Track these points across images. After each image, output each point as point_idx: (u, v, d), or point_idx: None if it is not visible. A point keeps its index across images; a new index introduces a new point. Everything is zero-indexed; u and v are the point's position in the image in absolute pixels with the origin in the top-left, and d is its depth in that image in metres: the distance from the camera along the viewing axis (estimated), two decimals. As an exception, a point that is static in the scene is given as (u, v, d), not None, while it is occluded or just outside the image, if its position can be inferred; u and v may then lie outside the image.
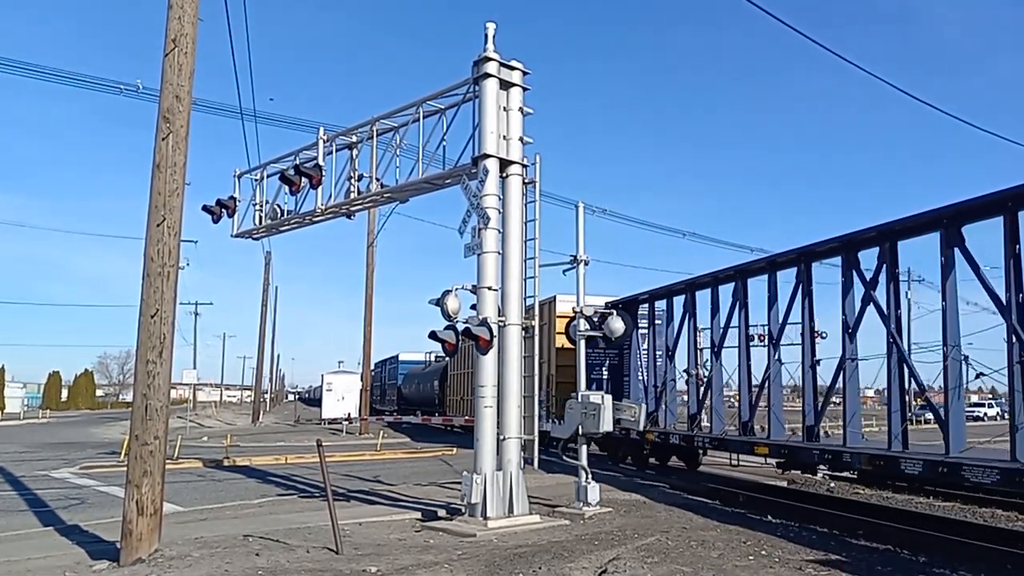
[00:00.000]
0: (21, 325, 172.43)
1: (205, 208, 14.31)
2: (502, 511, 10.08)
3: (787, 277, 12.83)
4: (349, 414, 36.84)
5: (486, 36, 10.66)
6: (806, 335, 12.22)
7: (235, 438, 27.30)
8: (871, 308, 10.88)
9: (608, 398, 11.60)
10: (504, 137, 10.67)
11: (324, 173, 12.89)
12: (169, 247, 8.22)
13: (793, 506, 11.85)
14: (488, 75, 10.54)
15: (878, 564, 7.85)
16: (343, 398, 41.14)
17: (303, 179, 12.89)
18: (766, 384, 13.21)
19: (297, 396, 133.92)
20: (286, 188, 13.24)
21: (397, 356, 50.80)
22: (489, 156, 10.47)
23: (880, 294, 10.71)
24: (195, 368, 50.40)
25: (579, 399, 11.68)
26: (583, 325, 12.24)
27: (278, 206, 14.03)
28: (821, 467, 12.79)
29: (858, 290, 11.27)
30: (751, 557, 8.09)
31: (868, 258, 11.29)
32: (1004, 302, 8.62)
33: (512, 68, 10.78)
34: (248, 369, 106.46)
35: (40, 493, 14.30)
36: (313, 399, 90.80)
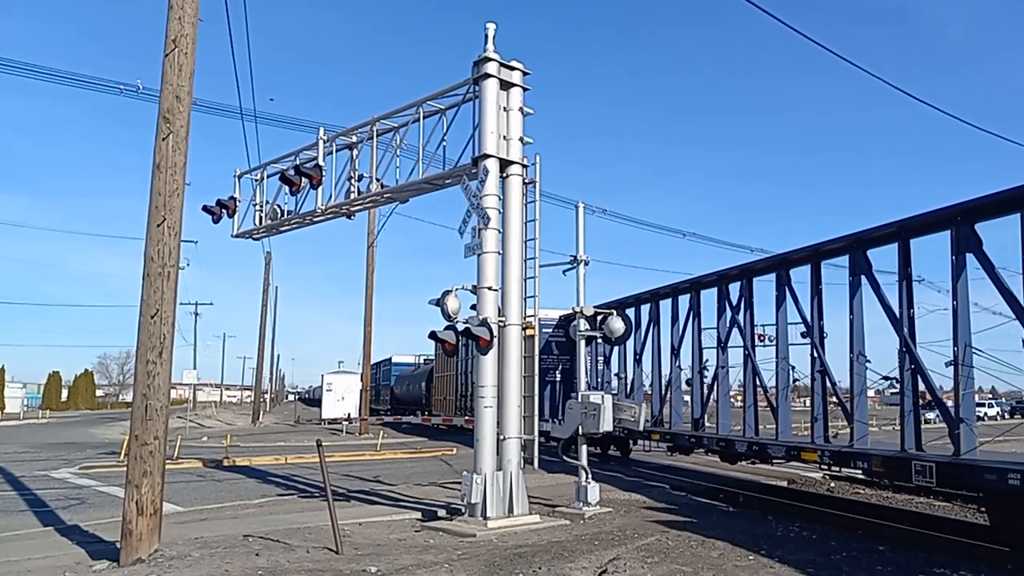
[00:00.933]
0: (21, 325, 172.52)
1: (205, 208, 14.31)
2: (502, 511, 10.08)
3: (737, 289, 13.69)
4: (349, 414, 36.84)
5: (486, 36, 10.66)
6: (747, 338, 13.10)
7: (235, 438, 27.30)
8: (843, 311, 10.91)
9: (608, 398, 11.61)
10: (504, 137, 10.67)
11: (324, 173, 12.89)
12: (169, 247, 8.22)
13: (793, 506, 11.86)
14: (488, 75, 10.54)
15: (878, 564, 7.85)
16: (343, 398, 41.17)
17: (303, 179, 12.89)
18: (715, 384, 14.32)
19: (297, 396, 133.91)
20: (286, 188, 13.25)
21: (391, 359, 51.63)
22: (489, 156, 10.47)
23: (858, 297, 10.62)
24: (195, 368, 50.41)
25: (579, 399, 11.68)
26: (583, 325, 12.25)
27: (278, 206, 14.03)
28: (699, 449, 15.11)
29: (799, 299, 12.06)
30: (751, 557, 8.09)
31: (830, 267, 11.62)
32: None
33: (512, 68, 10.78)
34: (248, 369, 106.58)
35: (40, 493, 14.30)
36: (313, 399, 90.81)
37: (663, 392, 16.11)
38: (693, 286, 14.97)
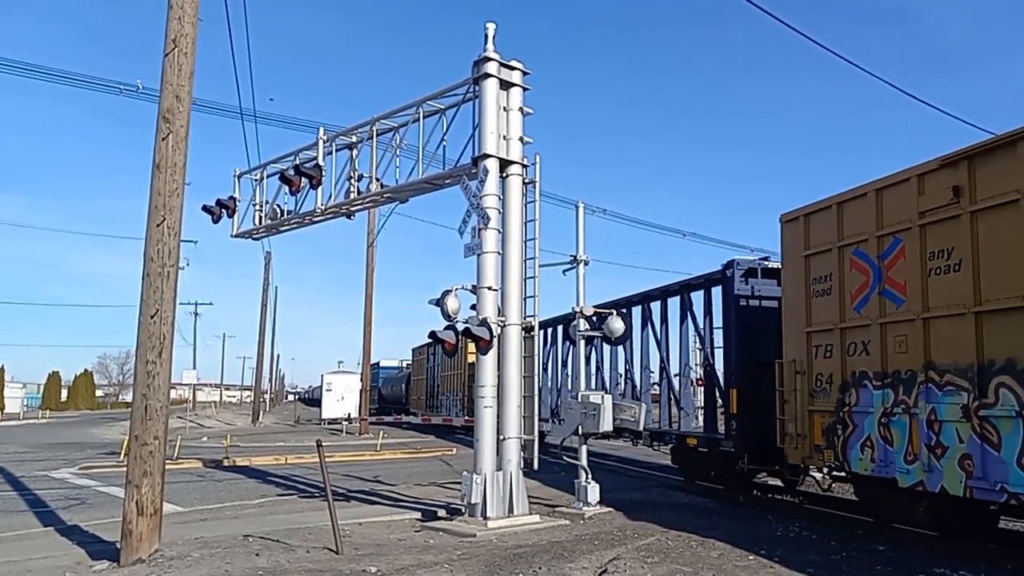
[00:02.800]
0: (21, 325, 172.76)
1: (205, 208, 14.31)
2: (502, 511, 10.08)
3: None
4: (349, 414, 36.82)
5: (486, 36, 10.66)
6: (662, 348, 16.16)
7: (235, 438, 27.29)
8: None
9: (608, 398, 11.59)
10: (504, 137, 10.66)
11: (324, 173, 12.89)
12: (169, 247, 8.22)
13: (793, 506, 11.86)
14: (488, 75, 10.53)
15: (878, 564, 7.85)
16: (343, 398, 41.18)
17: (303, 179, 12.89)
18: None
19: (297, 396, 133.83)
20: (286, 188, 13.24)
21: (378, 363, 52.54)
22: (489, 156, 10.47)
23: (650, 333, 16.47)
24: (195, 368, 50.50)
25: (579, 399, 11.68)
26: (583, 325, 12.24)
27: (278, 206, 14.03)
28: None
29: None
30: (751, 557, 8.09)
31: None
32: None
33: (512, 68, 10.77)
34: (248, 369, 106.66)
35: (40, 493, 14.30)
36: (313, 399, 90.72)
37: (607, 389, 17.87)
38: (627, 303, 16.88)
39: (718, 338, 13.82)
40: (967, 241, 8.18)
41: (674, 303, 15.31)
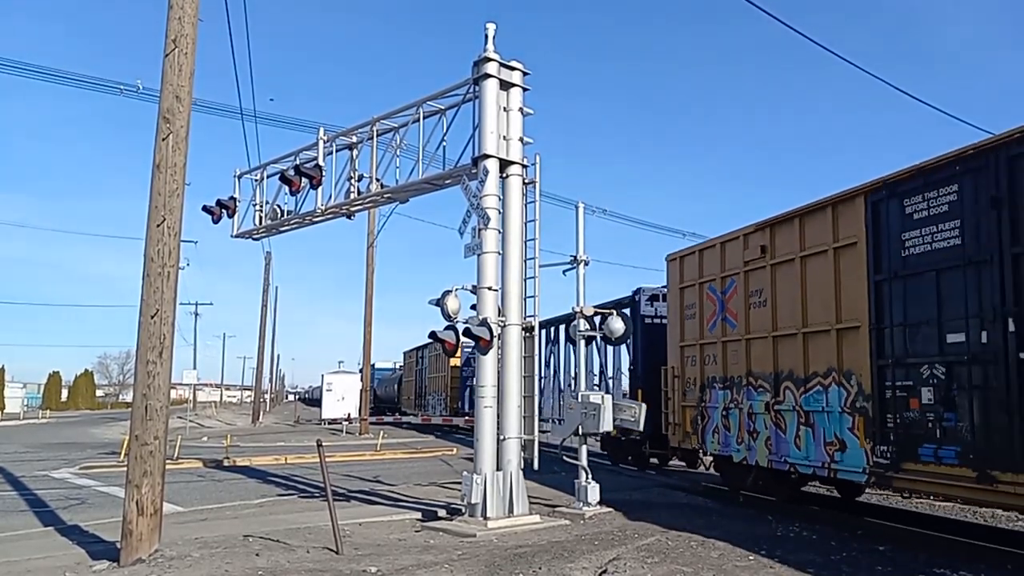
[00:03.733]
0: (21, 325, 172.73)
1: (205, 208, 14.31)
2: (502, 511, 10.08)
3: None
4: (349, 414, 36.80)
5: (486, 36, 10.66)
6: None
7: (235, 438, 27.29)
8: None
9: (608, 398, 11.60)
10: (504, 137, 10.66)
11: (324, 173, 12.89)
12: (169, 247, 8.22)
13: (793, 506, 11.86)
14: (488, 75, 10.53)
15: (878, 564, 7.85)
16: (343, 398, 41.18)
17: (303, 179, 12.89)
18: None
19: (297, 396, 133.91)
20: (286, 188, 13.24)
21: (374, 364, 52.76)
22: (489, 156, 10.47)
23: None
24: (195, 368, 50.42)
25: (579, 399, 11.68)
26: (583, 325, 12.24)
27: (278, 206, 14.02)
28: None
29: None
30: (751, 557, 8.09)
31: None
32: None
33: (512, 68, 10.77)
34: (248, 369, 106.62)
35: (40, 493, 14.30)
36: (313, 399, 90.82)
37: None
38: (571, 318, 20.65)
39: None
40: (769, 285, 11.35)
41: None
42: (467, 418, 26.74)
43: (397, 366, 52.21)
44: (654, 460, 17.66)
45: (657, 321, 16.30)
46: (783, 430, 10.91)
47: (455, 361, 33.67)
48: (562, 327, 20.50)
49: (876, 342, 9.30)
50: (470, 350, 29.88)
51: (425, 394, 40.24)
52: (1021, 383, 7.51)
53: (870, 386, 9.35)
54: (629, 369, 17.84)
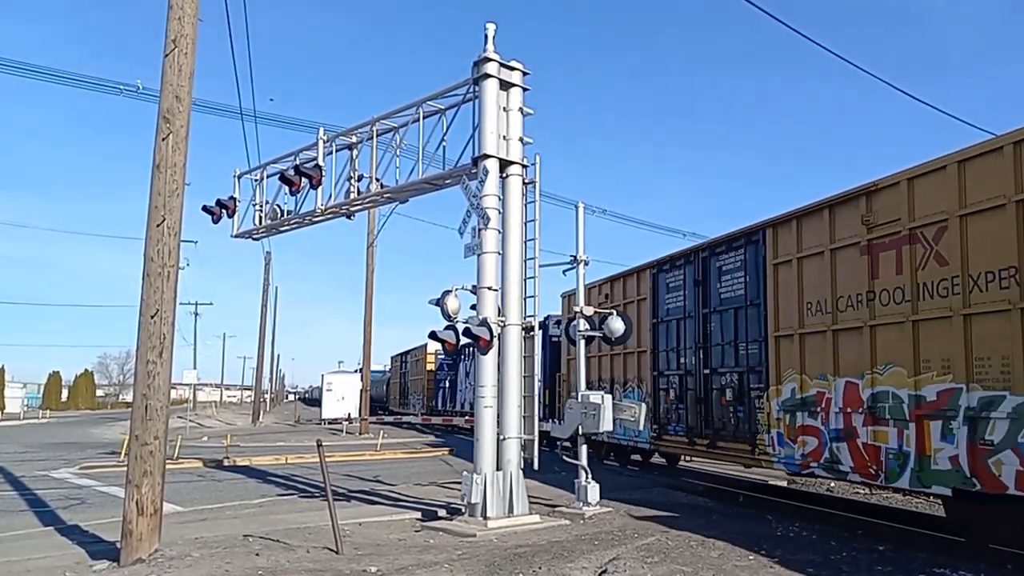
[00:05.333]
0: (21, 325, 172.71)
1: (205, 208, 14.31)
2: (502, 511, 10.08)
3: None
4: (349, 414, 36.82)
5: (486, 36, 10.66)
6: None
7: (235, 438, 27.30)
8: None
9: (608, 398, 11.59)
10: (504, 137, 10.66)
11: (324, 173, 12.88)
12: (169, 247, 8.22)
13: (793, 506, 11.87)
14: (488, 75, 10.53)
15: (878, 564, 7.85)
16: (343, 398, 41.17)
17: (303, 179, 12.88)
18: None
19: (297, 396, 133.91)
20: (286, 188, 13.23)
21: (359, 369, 53.81)
22: (489, 156, 10.47)
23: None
24: (195, 368, 50.43)
25: (579, 399, 11.68)
26: (583, 325, 12.24)
27: (278, 206, 14.02)
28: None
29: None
30: (751, 557, 8.09)
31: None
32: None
33: (512, 68, 10.77)
34: (248, 369, 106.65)
35: (40, 493, 14.30)
36: (313, 399, 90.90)
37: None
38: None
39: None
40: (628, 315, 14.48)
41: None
42: (467, 418, 28.87)
43: (387, 369, 56.76)
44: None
45: (556, 340, 20.57)
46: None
47: (431, 366, 40.96)
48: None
49: (653, 360, 14.89)
50: (443, 356, 38.35)
51: (408, 394, 46.93)
52: (706, 387, 13.07)
53: (650, 388, 14.88)
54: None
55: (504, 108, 10.70)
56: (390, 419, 41.06)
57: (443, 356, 37.87)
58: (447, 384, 37.89)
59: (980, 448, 7.97)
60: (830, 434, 10.05)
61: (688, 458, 17.49)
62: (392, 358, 53.60)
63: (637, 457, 17.95)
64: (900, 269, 9.09)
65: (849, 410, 9.74)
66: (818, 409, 10.29)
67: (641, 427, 12.08)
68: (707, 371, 13.06)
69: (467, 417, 29.18)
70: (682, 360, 13.80)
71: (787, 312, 11.02)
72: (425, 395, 41.26)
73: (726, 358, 12.60)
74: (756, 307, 11.84)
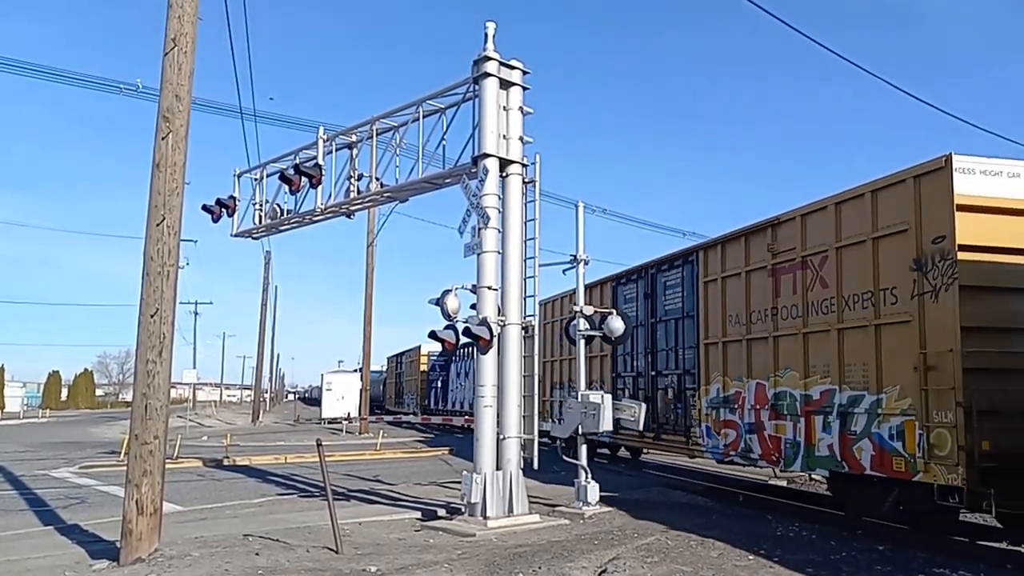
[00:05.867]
0: (21, 325, 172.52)
1: (205, 208, 14.31)
2: (502, 511, 10.08)
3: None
4: (349, 414, 36.81)
5: (486, 35, 10.65)
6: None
7: (235, 437, 27.29)
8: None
9: (608, 398, 11.59)
10: (504, 136, 10.66)
11: (324, 173, 12.89)
12: (169, 246, 8.22)
13: (793, 506, 11.86)
14: (488, 74, 10.53)
15: (878, 564, 7.85)
16: (343, 398, 41.16)
17: (303, 178, 12.88)
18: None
19: (297, 396, 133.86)
20: (286, 188, 13.23)
21: (359, 369, 54.49)
22: (489, 156, 10.46)
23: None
24: (195, 368, 50.26)
25: (579, 399, 11.68)
26: (583, 325, 12.24)
27: (278, 205, 14.03)
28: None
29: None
30: (751, 557, 8.09)
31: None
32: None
33: (512, 67, 10.77)
34: (248, 369, 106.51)
35: (40, 492, 14.30)
36: (313, 399, 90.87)
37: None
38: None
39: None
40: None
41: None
42: (466, 418, 29.86)
43: (383, 369, 58.32)
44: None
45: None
46: (560, 414, 16.62)
47: (424, 367, 43.11)
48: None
49: (612, 363, 16.53)
50: (436, 358, 41.45)
51: (403, 394, 49.82)
52: (653, 387, 14.70)
53: (610, 387, 16.03)
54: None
55: (504, 107, 10.70)
56: (390, 418, 41.13)
57: (435, 357, 40.94)
58: (439, 384, 40.38)
59: (847, 437, 9.69)
60: (745, 427, 11.74)
61: (647, 451, 18.87)
62: (388, 359, 55.99)
63: (605, 451, 18.87)
64: (795, 290, 10.84)
65: (758, 407, 11.41)
66: (736, 406, 11.96)
67: (640, 426, 12.09)
68: (653, 373, 14.80)
69: (457, 416, 31.86)
70: (635, 363, 15.63)
71: (714, 323, 12.64)
72: (419, 395, 43.67)
73: (669, 362, 14.35)
74: (691, 318, 13.49)
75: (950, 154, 8.63)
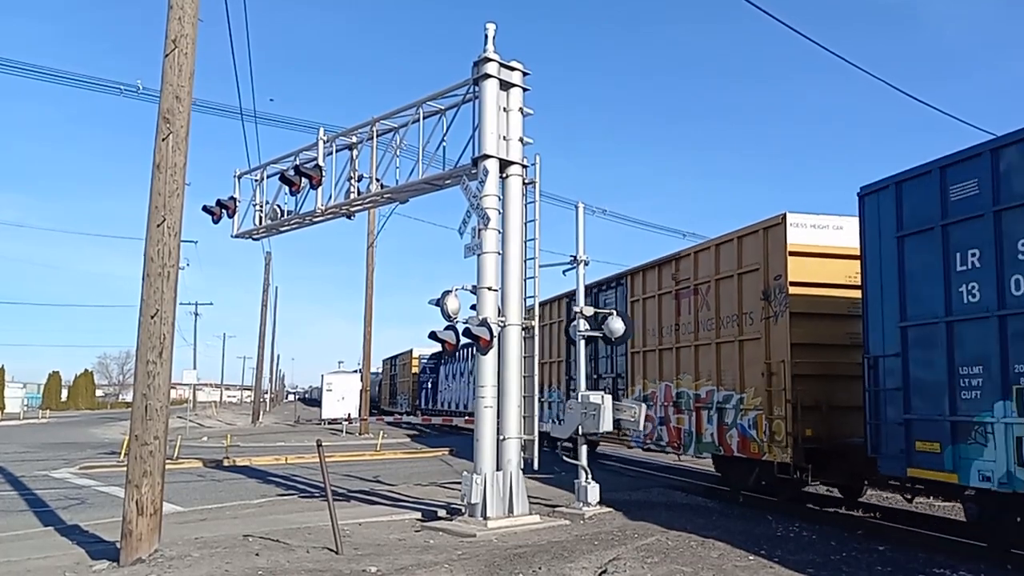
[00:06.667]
0: (21, 325, 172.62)
1: (205, 208, 14.31)
2: (502, 511, 10.08)
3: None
4: (349, 414, 36.82)
5: (486, 37, 10.66)
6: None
7: (235, 438, 27.29)
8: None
9: (608, 398, 11.59)
10: (504, 137, 10.66)
11: (324, 173, 12.89)
12: (169, 247, 8.22)
13: (793, 506, 11.86)
14: (488, 75, 10.53)
15: (878, 564, 7.86)
16: (343, 398, 41.16)
17: (303, 179, 12.88)
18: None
19: (297, 396, 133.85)
20: (286, 188, 13.24)
21: (358, 369, 55.40)
22: (489, 156, 10.47)
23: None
24: (195, 368, 50.30)
25: (579, 399, 11.68)
26: (583, 325, 12.24)
27: (278, 206, 14.02)
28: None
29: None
30: (751, 557, 8.09)
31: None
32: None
33: (512, 69, 10.77)
34: (248, 369, 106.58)
35: (40, 493, 14.30)
36: (313, 399, 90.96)
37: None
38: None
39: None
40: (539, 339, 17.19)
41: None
42: (424, 417, 34.15)
43: (379, 371, 60.20)
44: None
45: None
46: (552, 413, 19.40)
47: (415, 370, 46.50)
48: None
49: (567, 368, 18.39)
50: (426, 360, 44.16)
51: (396, 394, 53.61)
52: (596, 388, 15.58)
53: (564, 389, 18.48)
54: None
55: (504, 108, 10.70)
56: (390, 419, 41.15)
57: (426, 360, 44.24)
58: (429, 385, 43.64)
59: (723, 428, 12.58)
60: (658, 420, 14.54)
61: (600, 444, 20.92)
62: (383, 361, 59.01)
63: (568, 444, 20.40)
64: (690, 310, 13.74)
65: (666, 404, 14.30)
66: (652, 403, 14.62)
67: (640, 426, 12.11)
68: (596, 376, 17.19)
69: (447, 416, 34.26)
70: (602, 367, 17.75)
71: (639, 335, 15.29)
72: (411, 395, 47.64)
73: (608, 367, 17.17)
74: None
75: (784, 213, 11.41)
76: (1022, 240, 7.46)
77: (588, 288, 16.74)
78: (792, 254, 11.28)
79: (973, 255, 7.92)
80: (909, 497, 10.81)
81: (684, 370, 13.78)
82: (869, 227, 9.37)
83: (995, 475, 7.47)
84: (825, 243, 11.46)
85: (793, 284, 11.23)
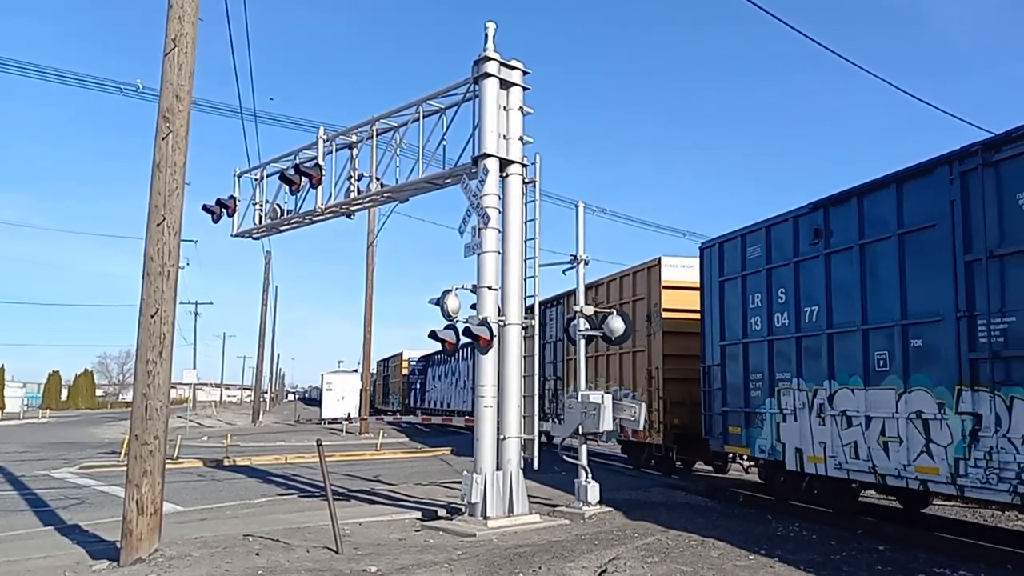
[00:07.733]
0: (21, 325, 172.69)
1: (205, 208, 14.30)
2: (502, 511, 10.08)
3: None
4: (349, 414, 36.82)
5: (486, 36, 10.65)
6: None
7: (235, 438, 27.30)
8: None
9: (608, 397, 11.58)
10: (504, 137, 10.66)
11: (324, 173, 12.88)
12: (169, 247, 8.22)
13: (793, 506, 11.85)
14: (488, 74, 10.53)
15: (878, 564, 7.85)
16: (343, 398, 41.22)
17: (303, 179, 12.87)
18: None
19: (297, 396, 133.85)
20: (286, 188, 13.23)
21: (357, 369, 56.91)
22: (489, 156, 10.46)
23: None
24: (195, 368, 50.35)
25: (579, 399, 11.67)
26: (583, 325, 12.24)
27: (278, 206, 14.02)
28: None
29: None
30: (751, 557, 8.09)
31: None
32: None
33: (512, 68, 10.77)
34: (248, 369, 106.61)
35: (40, 493, 14.30)
36: (313, 399, 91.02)
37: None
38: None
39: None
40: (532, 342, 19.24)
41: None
42: (446, 416, 33.81)
43: (374, 372, 63.17)
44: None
45: None
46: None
47: (405, 371, 50.46)
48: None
49: (540, 370, 18.07)
50: (415, 363, 47.96)
51: (389, 394, 57.54)
52: (543, 388, 17.38)
53: (547, 393, 19.99)
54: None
55: (504, 107, 10.69)
56: (390, 419, 41.19)
57: (415, 363, 47.97)
58: (418, 386, 46.51)
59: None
60: None
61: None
62: (377, 363, 60.79)
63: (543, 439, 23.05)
64: None
65: None
66: None
67: (640, 426, 12.10)
68: (542, 379, 19.25)
69: (435, 415, 35.98)
70: (547, 371, 20.66)
71: (569, 346, 17.04)
72: (401, 395, 51.68)
73: (552, 371, 20.43)
74: (561, 342, 19.85)
75: (660, 257, 15.56)
76: (781, 288, 11.03)
77: (545, 302, 18.97)
78: (665, 287, 15.37)
79: (757, 297, 11.59)
80: (721, 464, 15.92)
81: (599, 374, 17.54)
82: (705, 272, 13.13)
83: (767, 448, 11.23)
84: (690, 279, 14.62)
85: (666, 310, 15.25)
